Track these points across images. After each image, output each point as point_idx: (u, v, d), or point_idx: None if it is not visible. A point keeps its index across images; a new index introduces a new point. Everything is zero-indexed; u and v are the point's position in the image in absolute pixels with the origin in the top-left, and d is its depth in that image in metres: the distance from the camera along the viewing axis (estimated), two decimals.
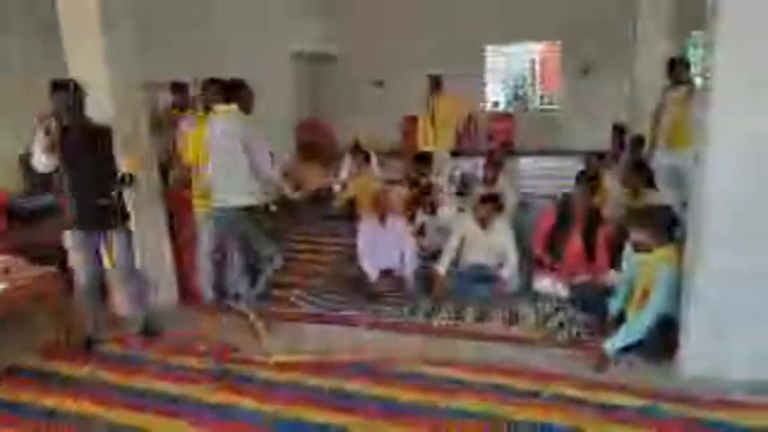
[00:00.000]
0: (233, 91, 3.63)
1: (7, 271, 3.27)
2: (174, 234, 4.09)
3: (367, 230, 4.15)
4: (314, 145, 9.99)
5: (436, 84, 6.49)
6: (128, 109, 3.59)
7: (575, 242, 3.87)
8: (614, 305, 3.27)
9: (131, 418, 2.68)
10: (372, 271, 4.04)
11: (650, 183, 4.37)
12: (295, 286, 4.32)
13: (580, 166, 5.00)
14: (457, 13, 9.83)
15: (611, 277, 3.69)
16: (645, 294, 3.01)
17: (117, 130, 3.26)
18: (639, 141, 5.48)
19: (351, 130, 7.23)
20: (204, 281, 3.96)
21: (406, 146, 9.95)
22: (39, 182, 4.81)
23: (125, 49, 3.58)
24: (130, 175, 3.22)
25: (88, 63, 3.45)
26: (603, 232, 3.85)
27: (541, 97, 11.07)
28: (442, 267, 4.01)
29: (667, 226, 3.05)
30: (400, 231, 4.15)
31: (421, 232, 4.54)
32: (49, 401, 2.86)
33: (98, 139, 3.16)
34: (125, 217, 3.34)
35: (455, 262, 4.09)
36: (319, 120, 10.37)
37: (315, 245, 5.40)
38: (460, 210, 4.87)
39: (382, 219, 4.13)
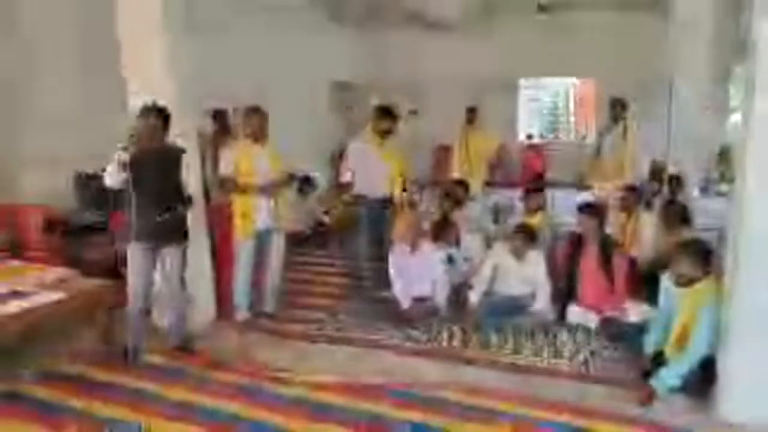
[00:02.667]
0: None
1: (62, 282, 3.47)
2: (213, 252, 4.26)
3: (398, 257, 4.22)
4: None
5: (471, 115, 6.60)
6: (183, 133, 3.81)
7: (591, 273, 3.92)
8: (650, 341, 3.25)
9: (166, 428, 2.78)
10: (403, 297, 4.10)
11: (685, 220, 4.35)
12: (325, 308, 4.41)
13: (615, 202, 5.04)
14: (493, 45, 10.00)
15: (642, 311, 3.69)
16: (685, 330, 2.99)
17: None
18: (676, 178, 5.45)
19: None
20: (239, 299, 4.10)
21: (438, 175, 10.06)
22: (92, 199, 5.14)
23: (182, 77, 3.81)
24: (190, 197, 3.45)
25: (148, 88, 3.69)
26: (620, 261, 3.89)
27: (576, 131, 11.07)
28: (474, 296, 4.04)
29: (707, 259, 3.04)
30: (431, 258, 4.22)
31: (450, 259, 4.59)
32: (88, 406, 2.99)
33: (170, 159, 3.38)
34: (184, 234, 3.51)
35: (488, 292, 4.12)
36: None
37: (346, 268, 5.47)
38: (490, 240, 4.89)
39: (413, 246, 4.20)
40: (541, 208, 5.05)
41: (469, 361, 3.49)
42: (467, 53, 10.06)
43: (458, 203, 5.21)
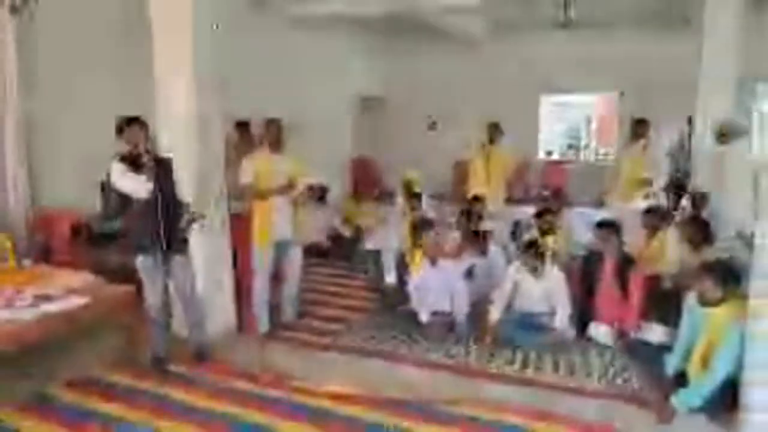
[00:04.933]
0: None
1: (87, 287, 3.53)
2: (235, 263, 4.30)
3: (419, 270, 4.22)
4: (367, 184, 10.26)
5: (493, 130, 6.60)
6: (209, 143, 3.88)
7: (607, 290, 3.93)
8: (672, 361, 3.21)
9: (186, 430, 2.82)
10: (423, 312, 4.10)
11: (708, 239, 4.29)
12: (343, 320, 4.42)
13: (633, 219, 5.03)
14: (512, 60, 10.03)
15: (662, 331, 3.67)
16: (708, 349, 2.95)
17: (198, 161, 3.52)
18: (701, 197, 5.38)
19: (402, 171, 7.40)
20: (258, 309, 4.13)
21: (457, 189, 10.06)
22: (114, 207, 5.23)
23: (210, 88, 3.89)
24: (188, 204, 3.48)
25: (177, 98, 3.77)
26: (636, 278, 3.88)
27: (597, 149, 11.00)
28: (495, 312, 4.03)
29: (731, 279, 3.00)
30: (451, 273, 4.21)
31: (470, 274, 4.58)
32: (115, 411, 3.04)
33: (164, 168, 3.37)
34: (185, 244, 3.52)
35: (507, 308, 4.10)
36: (368, 159, 10.67)
37: (365, 281, 5.49)
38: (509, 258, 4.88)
39: (433, 261, 4.21)
40: (552, 228, 5.04)
41: (487, 377, 3.48)
42: (489, 69, 10.12)
43: (480, 218, 5.22)
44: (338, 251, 6.49)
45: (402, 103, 10.87)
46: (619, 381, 3.38)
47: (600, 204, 6.24)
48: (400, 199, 6.75)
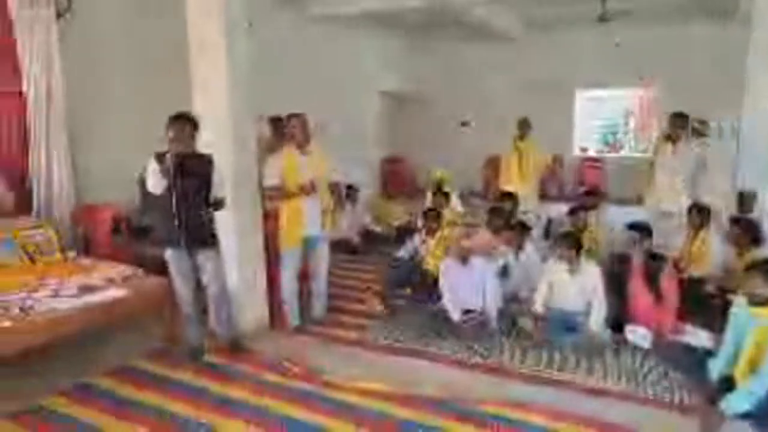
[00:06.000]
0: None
1: (127, 279, 3.65)
2: (268, 259, 4.36)
3: (449, 270, 4.20)
4: (397, 181, 10.27)
5: (525, 126, 6.50)
6: (244, 140, 3.94)
7: (640, 293, 3.85)
8: (717, 366, 3.09)
9: (226, 425, 2.88)
10: (454, 309, 4.08)
11: (756, 241, 4.13)
12: (373, 316, 4.44)
13: (674, 221, 4.90)
14: (547, 55, 9.84)
15: (703, 335, 3.57)
16: (758, 352, 2.83)
17: (234, 158, 3.57)
18: (750, 196, 5.18)
19: (433, 168, 7.37)
20: (288, 304, 4.19)
21: (488, 186, 9.96)
22: (151, 202, 5.38)
23: (243, 87, 3.95)
24: (222, 200, 3.52)
25: (213, 97, 3.85)
26: (670, 280, 3.79)
27: (636, 145, 10.68)
28: (538, 307, 4.02)
29: None
30: (483, 271, 4.18)
31: (504, 273, 4.52)
32: (152, 400, 3.13)
33: (203, 166, 3.44)
34: (214, 239, 3.57)
35: (544, 307, 4.05)
36: (400, 157, 10.66)
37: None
38: (545, 255, 4.81)
39: (464, 259, 4.18)
40: (586, 226, 4.95)
41: (519, 377, 3.43)
42: (526, 64, 9.97)
43: (512, 216, 5.15)
44: (368, 248, 6.52)
45: (434, 100, 10.81)
46: (657, 385, 3.28)
47: (639, 202, 6.04)
48: (428, 197, 6.74)
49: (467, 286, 4.12)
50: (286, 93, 6.04)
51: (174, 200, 3.30)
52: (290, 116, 4.04)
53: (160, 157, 3.26)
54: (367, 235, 6.83)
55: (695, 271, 4.37)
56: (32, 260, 3.97)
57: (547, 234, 6.03)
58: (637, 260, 3.94)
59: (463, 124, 10.92)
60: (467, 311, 4.11)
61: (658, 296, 3.78)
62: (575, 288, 3.96)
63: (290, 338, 4.04)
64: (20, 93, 4.57)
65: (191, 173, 3.35)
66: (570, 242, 4.00)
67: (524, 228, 4.72)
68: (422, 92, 10.78)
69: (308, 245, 4.15)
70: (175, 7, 3.99)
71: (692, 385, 3.21)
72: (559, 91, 9.91)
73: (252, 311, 4.11)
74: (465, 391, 3.20)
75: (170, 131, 3.29)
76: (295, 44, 7.36)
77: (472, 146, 10.31)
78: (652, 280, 3.82)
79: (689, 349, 3.51)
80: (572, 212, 5.22)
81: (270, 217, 4.25)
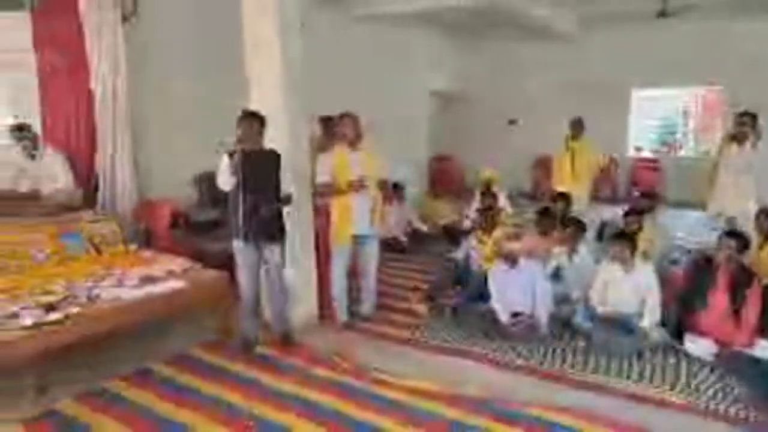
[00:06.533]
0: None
1: (186, 271, 3.80)
2: (318, 255, 4.44)
3: (498, 271, 4.16)
4: (444, 180, 10.23)
5: (578, 126, 6.35)
6: (298, 138, 4.03)
7: (719, 302, 3.64)
8: None
9: (277, 417, 2.96)
10: (503, 312, 4.03)
11: None
12: (421, 315, 4.45)
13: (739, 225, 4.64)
14: (602, 53, 9.55)
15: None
16: None
17: (289, 155, 3.67)
18: None
19: (481, 167, 7.29)
20: (337, 301, 4.24)
21: (537, 186, 9.78)
22: (209, 198, 5.60)
23: (297, 85, 4.04)
24: (290, 196, 3.63)
25: (268, 96, 3.95)
26: (755, 293, 3.57)
27: (696, 145, 10.21)
28: (595, 304, 3.96)
29: None
30: (532, 273, 4.10)
31: (556, 275, 4.43)
32: (208, 389, 3.25)
33: (270, 162, 3.58)
34: (281, 231, 3.70)
35: (598, 308, 3.98)
36: (448, 155, 10.60)
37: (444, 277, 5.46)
38: (598, 258, 4.68)
39: (512, 261, 4.12)
40: (641, 229, 4.78)
41: (570, 382, 3.36)
42: (580, 62, 9.72)
43: (564, 217, 5.04)
44: (415, 247, 6.52)
45: (482, 98, 10.69)
46: (719, 397, 3.14)
47: (701, 206, 5.78)
48: (477, 197, 6.68)
49: (515, 288, 4.07)
50: (336, 93, 6.12)
51: (244, 195, 3.43)
52: (342, 115, 4.10)
53: (231, 155, 3.38)
54: (414, 234, 6.83)
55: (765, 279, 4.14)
56: (98, 251, 4.19)
57: (600, 236, 5.86)
58: (725, 270, 3.69)
59: (511, 122, 10.75)
60: (515, 314, 4.05)
61: (738, 309, 3.58)
62: (629, 287, 3.87)
63: (339, 334, 4.11)
64: (88, 94, 4.83)
65: (260, 169, 3.48)
66: (624, 242, 3.90)
67: (579, 227, 4.60)
68: (470, 91, 10.68)
69: (358, 242, 4.20)
70: (231, 7, 4.12)
71: (757, 399, 3.05)
72: (614, 90, 9.59)
73: (303, 306, 4.19)
74: (511, 393, 3.17)
75: (239, 129, 3.42)
76: (345, 44, 7.45)
77: (520, 145, 10.14)
78: (736, 292, 3.61)
79: (755, 361, 3.34)
80: (627, 214, 5.06)
81: (321, 214, 4.32)
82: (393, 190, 6.61)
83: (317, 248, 4.35)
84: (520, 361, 3.63)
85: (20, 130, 4.45)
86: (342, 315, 4.27)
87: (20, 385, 3.08)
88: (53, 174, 4.52)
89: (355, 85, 7.22)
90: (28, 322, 2.91)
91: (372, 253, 4.31)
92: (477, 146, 10.43)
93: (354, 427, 2.87)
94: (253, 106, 3.98)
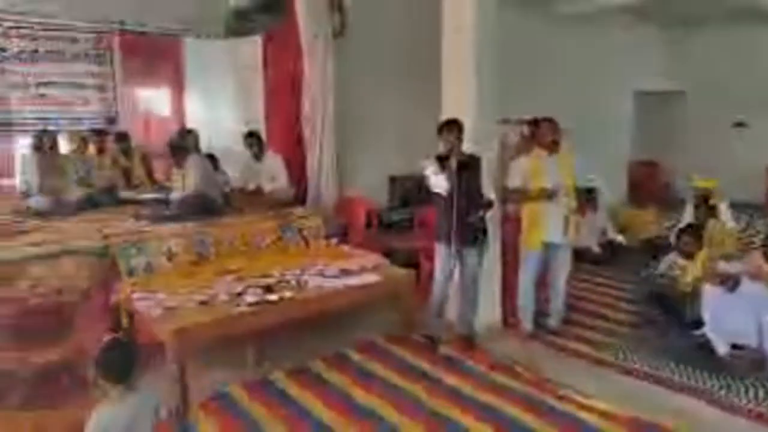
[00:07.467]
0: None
1: (377, 267, 4.07)
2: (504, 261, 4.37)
3: (714, 295, 3.62)
4: (647, 188, 9.22)
5: None
6: (488, 143, 4.05)
7: None
8: None
9: (460, 418, 2.98)
10: (718, 341, 3.50)
11: None
12: (611, 332, 4.16)
13: None
14: None
15: None
16: None
17: (485, 161, 3.75)
18: None
19: (694, 175, 6.35)
20: (523, 309, 4.13)
21: None
22: (400, 200, 5.94)
23: (488, 92, 4.05)
24: (491, 201, 3.68)
25: (459, 104, 4.02)
26: None
27: None
28: None
29: None
30: (757, 300, 3.48)
31: None
32: (396, 379, 3.42)
33: (475, 167, 3.67)
34: (484, 235, 3.75)
35: None
36: (653, 160, 9.55)
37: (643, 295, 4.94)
38: None
39: (733, 285, 3.54)
40: None
41: None
42: None
43: None
44: (610, 259, 6.01)
45: (697, 97, 9.37)
46: None
47: None
48: (689, 209, 5.88)
49: (736, 316, 3.50)
50: (535, 96, 5.99)
51: (457, 201, 3.57)
52: (540, 120, 4.04)
53: (441, 160, 3.57)
54: (609, 245, 6.30)
55: None
56: (306, 243, 4.72)
57: None
58: None
59: (738, 125, 9.21)
60: (736, 345, 3.48)
61: None
62: None
63: (523, 343, 4.00)
64: (300, 105, 5.45)
65: (469, 175, 3.61)
66: None
67: None
68: (682, 89, 9.46)
69: (549, 251, 4.04)
70: (431, 21, 4.29)
71: None
72: None
73: (487, 311, 4.17)
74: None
75: (449, 135, 3.60)
76: (543, 45, 7.19)
77: (747, 151, 8.65)
78: None
79: None
80: None
81: (509, 220, 4.26)
82: (587, 199, 6.19)
83: (504, 254, 4.30)
84: (746, 403, 3.12)
85: (251, 136, 5.37)
86: (527, 324, 4.15)
87: (243, 354, 3.63)
88: (274, 174, 5.27)
89: (555, 86, 6.97)
90: (252, 299, 3.41)
91: (563, 263, 4.12)
92: (689, 151, 9.17)
93: None
94: (446, 113, 4.11)
